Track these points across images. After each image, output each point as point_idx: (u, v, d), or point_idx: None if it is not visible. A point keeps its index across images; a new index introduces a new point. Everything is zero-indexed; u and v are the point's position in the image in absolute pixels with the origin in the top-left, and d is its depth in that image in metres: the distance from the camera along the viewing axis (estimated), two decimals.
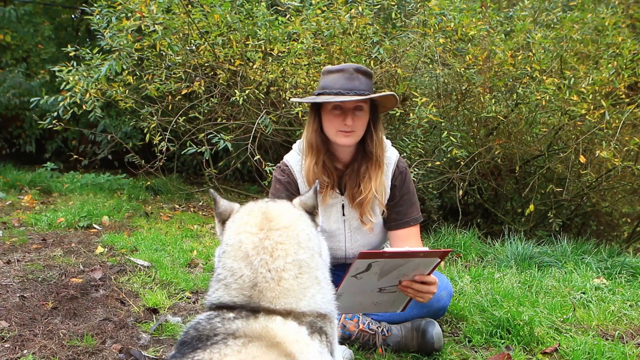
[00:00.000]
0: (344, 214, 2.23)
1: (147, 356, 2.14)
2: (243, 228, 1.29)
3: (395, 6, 4.71)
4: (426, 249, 1.79)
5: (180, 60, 4.75)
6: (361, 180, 2.14)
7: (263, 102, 4.72)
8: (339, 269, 2.01)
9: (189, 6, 4.52)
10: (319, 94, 2.09)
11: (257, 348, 1.09)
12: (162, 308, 2.70)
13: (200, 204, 6.42)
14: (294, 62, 4.34)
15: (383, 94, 2.11)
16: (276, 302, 1.18)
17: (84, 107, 4.86)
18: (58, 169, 7.87)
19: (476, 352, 2.24)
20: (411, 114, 4.04)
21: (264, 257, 1.22)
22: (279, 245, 1.25)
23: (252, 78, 4.50)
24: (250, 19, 4.65)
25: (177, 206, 6.16)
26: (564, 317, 2.61)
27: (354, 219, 2.23)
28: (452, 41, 4.27)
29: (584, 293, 2.99)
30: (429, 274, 1.84)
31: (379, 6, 4.50)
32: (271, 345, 1.11)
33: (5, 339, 2.23)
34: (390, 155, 2.23)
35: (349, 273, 1.74)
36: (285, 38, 4.55)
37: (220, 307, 1.21)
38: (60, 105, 4.80)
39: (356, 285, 1.81)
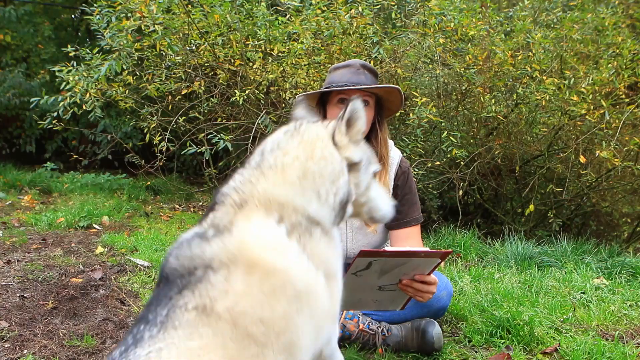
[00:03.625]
0: None
1: None
2: (280, 130, 1.45)
3: (395, 6, 4.71)
4: (427, 249, 1.80)
5: (180, 60, 4.75)
6: None
7: (263, 102, 4.72)
8: None
9: (189, 6, 4.52)
10: (325, 89, 2.11)
11: (240, 280, 1.16)
12: None
13: (200, 204, 6.42)
14: (294, 62, 4.34)
15: (389, 85, 2.13)
16: (282, 193, 1.29)
17: (84, 107, 4.85)
18: (58, 169, 7.87)
19: (476, 352, 2.24)
20: (411, 114, 4.04)
21: (277, 153, 1.36)
22: (292, 149, 1.36)
23: (252, 78, 4.49)
24: (250, 19, 4.65)
25: (177, 206, 6.16)
26: (564, 317, 2.61)
27: (356, 220, 2.23)
28: (452, 41, 4.27)
29: (584, 293, 2.99)
30: (429, 274, 1.84)
31: (379, 6, 4.50)
32: (251, 266, 1.17)
33: (5, 339, 2.23)
34: (394, 155, 2.23)
35: (349, 271, 1.74)
36: (285, 38, 4.55)
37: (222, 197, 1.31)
38: (60, 105, 4.79)
39: (356, 283, 1.81)
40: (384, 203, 1.56)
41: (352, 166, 1.44)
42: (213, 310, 1.12)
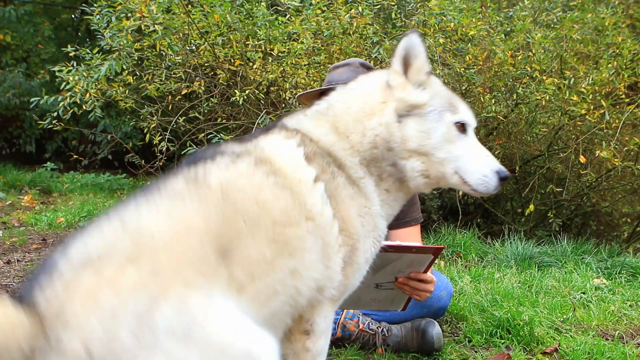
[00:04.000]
0: None
1: None
2: None
3: (395, 6, 4.71)
4: (418, 244, 1.78)
5: (180, 60, 4.74)
6: None
7: (263, 102, 4.72)
8: None
9: (189, 6, 4.52)
10: (325, 88, 2.12)
11: (247, 165, 1.15)
12: None
13: None
14: (294, 62, 4.34)
15: None
16: (296, 121, 1.34)
17: (84, 107, 4.85)
18: (58, 169, 7.88)
19: (476, 352, 2.24)
20: None
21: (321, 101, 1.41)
22: (334, 93, 1.40)
23: (252, 78, 4.49)
24: (250, 19, 4.65)
25: None
26: (564, 317, 2.61)
27: None
28: (452, 41, 4.27)
29: (584, 293, 2.99)
30: (424, 271, 1.83)
31: (379, 6, 4.50)
32: (262, 161, 1.17)
33: None
34: None
35: None
36: (285, 38, 4.55)
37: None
38: (60, 105, 4.79)
39: None
40: (479, 164, 1.28)
41: (413, 109, 1.26)
42: (205, 181, 1.09)
